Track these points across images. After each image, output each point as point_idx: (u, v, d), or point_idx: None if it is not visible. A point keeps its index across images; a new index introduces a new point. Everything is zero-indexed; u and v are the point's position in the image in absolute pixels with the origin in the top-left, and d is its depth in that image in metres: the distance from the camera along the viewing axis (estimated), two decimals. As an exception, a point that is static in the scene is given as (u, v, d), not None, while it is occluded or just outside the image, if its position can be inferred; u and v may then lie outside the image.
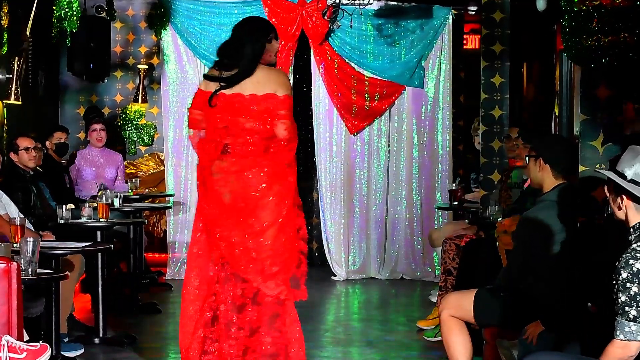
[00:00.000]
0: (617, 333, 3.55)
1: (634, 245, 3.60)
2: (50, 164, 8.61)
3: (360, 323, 8.11)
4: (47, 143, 8.90)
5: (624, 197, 3.72)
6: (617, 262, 3.56)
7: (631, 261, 3.53)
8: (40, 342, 4.63)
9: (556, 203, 5.11)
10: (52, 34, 8.68)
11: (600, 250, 4.86)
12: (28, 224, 6.48)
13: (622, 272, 3.53)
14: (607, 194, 3.84)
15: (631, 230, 3.71)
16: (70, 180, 9.18)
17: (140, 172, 10.95)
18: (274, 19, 10.05)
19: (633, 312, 3.52)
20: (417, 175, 10.39)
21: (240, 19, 10.81)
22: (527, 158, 5.33)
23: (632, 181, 3.68)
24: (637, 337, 3.53)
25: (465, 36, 11.98)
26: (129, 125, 10.86)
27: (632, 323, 3.52)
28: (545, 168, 5.20)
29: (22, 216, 6.29)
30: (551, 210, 5.08)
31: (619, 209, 3.76)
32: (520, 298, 5.05)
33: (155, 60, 10.84)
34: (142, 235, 9.17)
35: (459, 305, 5.05)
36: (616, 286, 3.55)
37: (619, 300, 3.54)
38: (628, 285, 3.52)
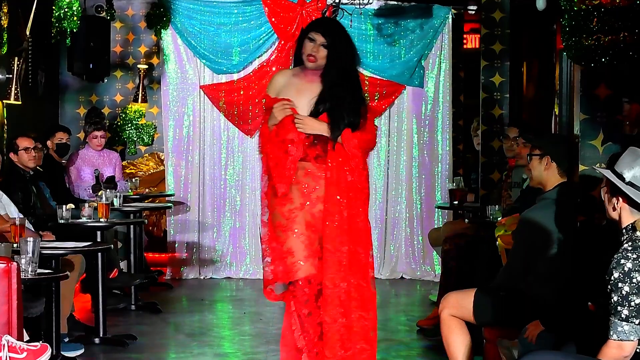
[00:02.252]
0: (611, 333, 3.56)
1: (625, 246, 3.61)
2: (50, 163, 8.60)
3: (361, 322, 8.09)
4: (49, 143, 8.89)
5: (620, 198, 3.72)
6: (610, 263, 3.57)
7: (622, 261, 3.54)
8: (41, 342, 4.63)
9: (556, 202, 5.11)
10: (51, 34, 8.68)
11: (604, 249, 4.86)
12: (28, 224, 6.48)
13: (614, 272, 3.55)
14: (603, 193, 3.83)
15: (623, 231, 3.72)
16: (70, 181, 9.18)
17: (140, 172, 10.95)
18: (273, 19, 10.06)
19: (625, 312, 3.52)
20: (417, 175, 10.39)
21: (240, 18, 10.90)
22: (530, 157, 5.31)
23: (630, 184, 3.68)
24: (630, 337, 3.54)
25: (465, 35, 11.98)
26: (129, 125, 10.85)
27: (624, 323, 3.53)
28: (552, 167, 5.20)
29: (22, 216, 6.30)
30: (551, 209, 5.08)
31: (614, 209, 3.76)
32: (520, 297, 5.05)
33: (155, 60, 10.84)
34: (142, 235, 9.17)
35: (459, 305, 5.05)
36: (609, 286, 3.56)
37: (612, 300, 3.55)
38: (620, 285, 3.53)
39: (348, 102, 5.09)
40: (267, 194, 5.17)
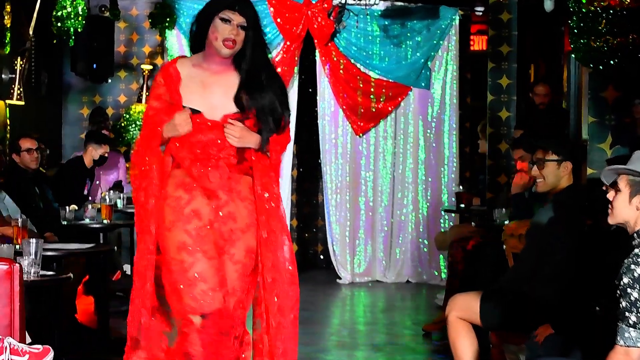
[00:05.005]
0: (618, 339, 3.52)
1: (636, 251, 3.56)
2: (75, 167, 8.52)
3: (366, 326, 8.07)
4: (92, 152, 8.73)
5: None
6: (620, 268, 3.52)
7: (632, 266, 3.51)
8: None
9: (567, 205, 5.08)
10: (53, 33, 8.65)
11: (609, 251, 4.82)
12: (30, 225, 6.45)
13: (623, 277, 3.51)
14: (618, 195, 3.75)
15: (635, 235, 3.66)
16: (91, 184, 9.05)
17: (144, 173, 10.91)
18: (279, 19, 10.01)
19: (633, 318, 3.48)
20: (423, 178, 10.34)
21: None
22: (543, 161, 5.20)
23: None
24: (637, 343, 3.49)
25: (472, 37, 11.94)
26: (133, 125, 10.80)
27: (632, 329, 3.49)
28: (569, 171, 5.15)
29: (24, 217, 6.26)
30: (560, 212, 5.05)
31: (637, 209, 3.68)
32: (527, 301, 5.01)
33: (158, 61, 10.80)
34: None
35: (466, 307, 5.02)
36: (618, 292, 3.52)
37: (620, 305, 3.51)
38: (629, 290, 3.49)
39: (278, 95, 4.22)
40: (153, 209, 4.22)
